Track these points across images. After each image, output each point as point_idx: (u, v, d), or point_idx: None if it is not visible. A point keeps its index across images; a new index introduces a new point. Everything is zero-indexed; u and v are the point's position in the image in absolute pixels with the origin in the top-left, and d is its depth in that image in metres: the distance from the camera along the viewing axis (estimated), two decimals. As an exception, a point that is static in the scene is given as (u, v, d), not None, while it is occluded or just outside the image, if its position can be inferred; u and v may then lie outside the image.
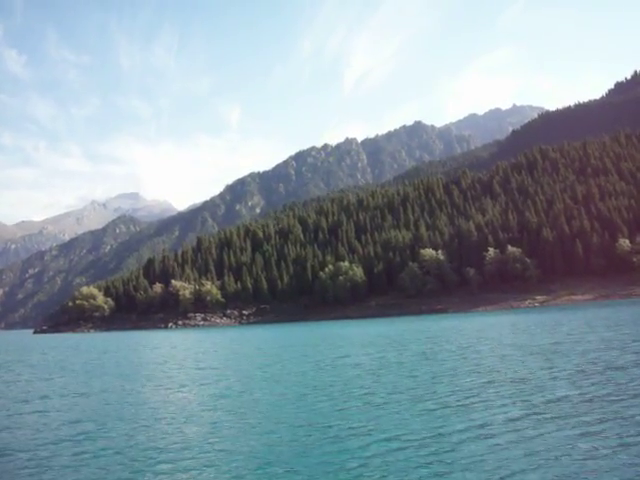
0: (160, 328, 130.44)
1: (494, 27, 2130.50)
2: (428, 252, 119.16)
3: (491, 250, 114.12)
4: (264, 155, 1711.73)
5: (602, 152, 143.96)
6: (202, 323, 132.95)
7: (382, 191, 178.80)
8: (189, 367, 32.78)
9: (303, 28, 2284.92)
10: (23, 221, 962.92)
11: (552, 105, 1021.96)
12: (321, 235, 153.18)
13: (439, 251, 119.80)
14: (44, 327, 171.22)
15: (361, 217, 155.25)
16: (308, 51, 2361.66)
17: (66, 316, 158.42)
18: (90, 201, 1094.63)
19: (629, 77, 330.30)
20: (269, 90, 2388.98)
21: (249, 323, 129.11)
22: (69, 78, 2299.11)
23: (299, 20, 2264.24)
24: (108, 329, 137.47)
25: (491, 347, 31.73)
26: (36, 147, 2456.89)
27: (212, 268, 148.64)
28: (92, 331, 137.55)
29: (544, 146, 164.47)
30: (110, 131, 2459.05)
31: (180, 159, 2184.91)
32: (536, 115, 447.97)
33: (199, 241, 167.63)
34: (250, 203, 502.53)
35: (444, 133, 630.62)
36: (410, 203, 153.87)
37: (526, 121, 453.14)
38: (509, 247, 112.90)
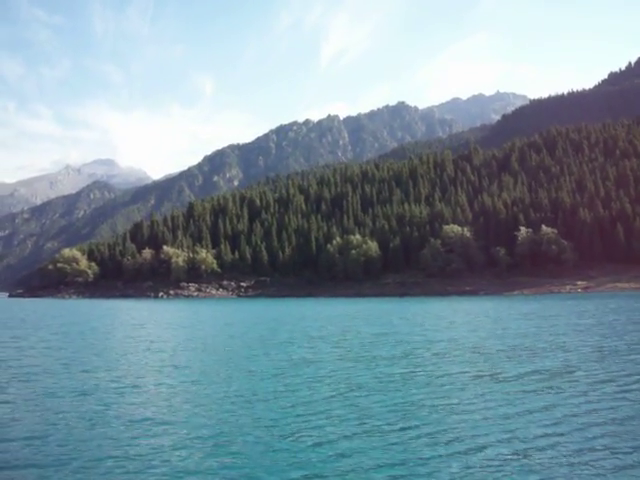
0: (149, 297, 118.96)
1: (475, 11, 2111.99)
2: (453, 228, 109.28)
3: (523, 229, 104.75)
4: (240, 128, 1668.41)
5: (628, 134, 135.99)
6: (196, 294, 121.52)
7: (388, 164, 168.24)
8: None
9: (281, 1, 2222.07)
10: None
11: (536, 93, 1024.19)
12: (324, 206, 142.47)
13: (464, 228, 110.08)
14: (19, 291, 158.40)
15: (367, 189, 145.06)
16: (285, 24, 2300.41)
17: (44, 280, 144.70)
18: (64, 165, 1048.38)
19: (623, 68, 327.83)
20: (244, 62, 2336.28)
21: (248, 296, 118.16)
22: (40, 38, 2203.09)
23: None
24: (92, 296, 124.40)
25: None
26: (5, 107, 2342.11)
27: (207, 236, 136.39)
28: (74, 297, 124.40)
29: (559, 126, 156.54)
30: (81, 95, 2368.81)
31: (154, 127, 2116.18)
32: (519, 103, 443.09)
33: (191, 206, 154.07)
34: (228, 175, 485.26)
35: (427, 115, 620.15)
36: (420, 177, 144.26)
37: (509, 108, 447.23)
38: (543, 227, 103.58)
